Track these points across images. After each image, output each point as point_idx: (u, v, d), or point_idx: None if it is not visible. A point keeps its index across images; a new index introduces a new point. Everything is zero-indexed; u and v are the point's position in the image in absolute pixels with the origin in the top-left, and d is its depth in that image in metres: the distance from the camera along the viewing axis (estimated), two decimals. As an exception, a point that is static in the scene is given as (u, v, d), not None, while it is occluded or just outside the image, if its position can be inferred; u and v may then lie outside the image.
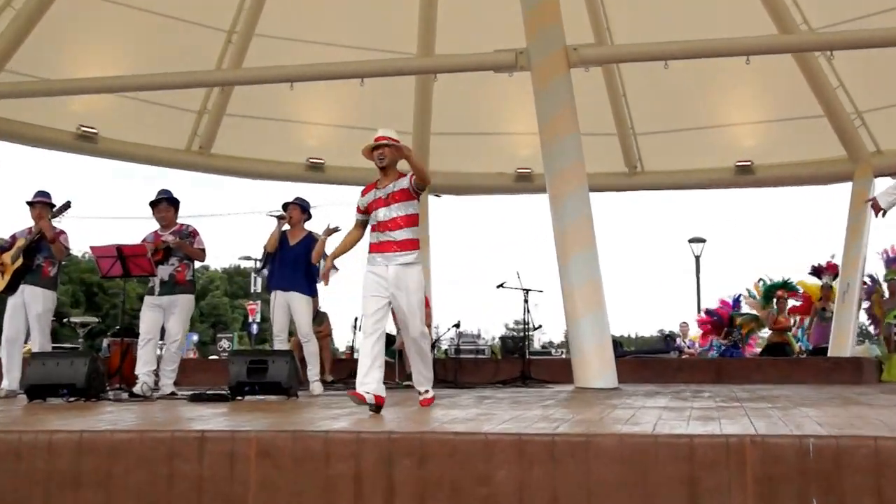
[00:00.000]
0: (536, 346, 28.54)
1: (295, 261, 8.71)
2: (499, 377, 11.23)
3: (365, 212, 6.27)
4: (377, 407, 5.71)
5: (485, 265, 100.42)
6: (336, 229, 8.54)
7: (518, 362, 11.64)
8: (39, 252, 8.37)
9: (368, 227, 6.29)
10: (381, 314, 6.01)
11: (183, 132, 14.45)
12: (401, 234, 6.11)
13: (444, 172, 14.67)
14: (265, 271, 9.09)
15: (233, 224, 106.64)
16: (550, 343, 58.36)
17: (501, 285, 11.48)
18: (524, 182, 15.09)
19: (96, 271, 8.59)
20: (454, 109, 14.57)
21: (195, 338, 38.16)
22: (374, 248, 6.16)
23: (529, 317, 11.39)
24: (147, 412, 5.91)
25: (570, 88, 10.46)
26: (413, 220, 6.19)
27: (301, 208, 8.96)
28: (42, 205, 8.35)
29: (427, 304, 6.97)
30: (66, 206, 8.26)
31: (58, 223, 8.33)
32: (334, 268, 7.29)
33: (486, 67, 11.49)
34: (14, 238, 8.54)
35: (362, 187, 6.31)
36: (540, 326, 12.25)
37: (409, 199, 6.18)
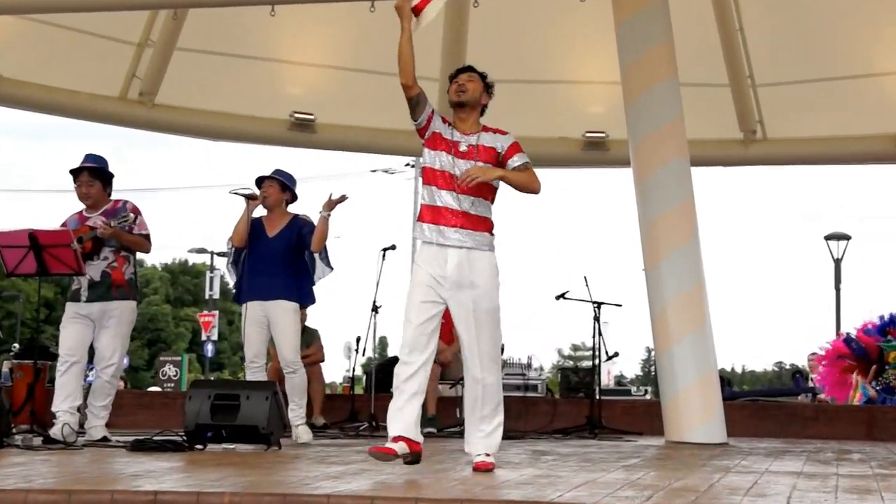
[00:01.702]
0: (607, 380, 28.62)
1: (275, 259, 8.85)
2: (557, 424, 11.40)
3: (425, 127, 6.29)
4: (413, 456, 5.88)
5: (536, 266, 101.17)
6: (343, 198, 8.66)
7: (583, 404, 11.75)
8: None
9: (421, 177, 6.39)
10: (433, 325, 6.09)
11: (116, 73, 14.39)
12: (479, 207, 6.22)
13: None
14: (232, 273, 9.13)
15: (180, 202, 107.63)
16: (622, 377, 58.77)
17: (562, 296, 11.62)
18: (596, 151, 15.05)
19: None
20: (497, 47, 14.51)
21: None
22: (430, 215, 6.22)
23: (602, 341, 11.45)
24: (72, 465, 6.05)
25: (668, 18, 10.58)
26: (494, 196, 6.32)
27: (282, 185, 9.11)
28: None
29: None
30: None
31: None
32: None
33: (547, -12, 11.58)
34: None
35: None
36: (616, 354, 12.29)
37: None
